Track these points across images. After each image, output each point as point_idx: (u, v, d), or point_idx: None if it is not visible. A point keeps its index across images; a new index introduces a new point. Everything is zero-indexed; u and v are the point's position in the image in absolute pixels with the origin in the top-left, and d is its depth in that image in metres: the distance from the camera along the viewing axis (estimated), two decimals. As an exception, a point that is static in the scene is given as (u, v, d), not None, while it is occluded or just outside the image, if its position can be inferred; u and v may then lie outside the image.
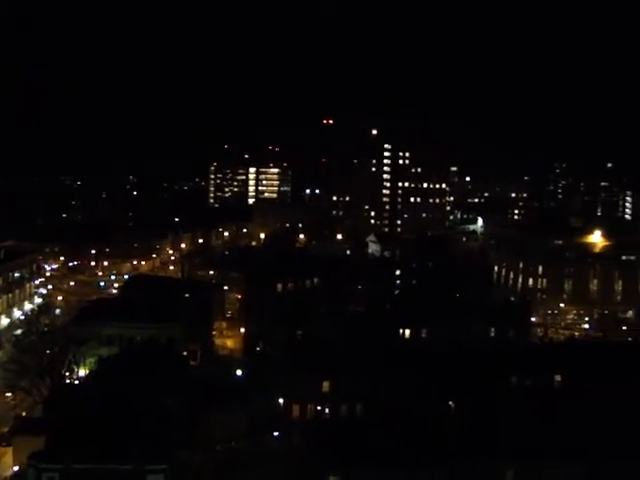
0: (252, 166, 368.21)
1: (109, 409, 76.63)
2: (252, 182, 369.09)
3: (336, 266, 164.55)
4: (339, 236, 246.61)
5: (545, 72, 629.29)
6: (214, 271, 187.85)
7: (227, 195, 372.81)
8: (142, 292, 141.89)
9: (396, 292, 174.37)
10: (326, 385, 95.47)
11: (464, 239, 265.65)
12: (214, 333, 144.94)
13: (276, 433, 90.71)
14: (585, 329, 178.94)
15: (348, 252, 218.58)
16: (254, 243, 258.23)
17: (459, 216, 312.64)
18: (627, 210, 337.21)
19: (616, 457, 78.33)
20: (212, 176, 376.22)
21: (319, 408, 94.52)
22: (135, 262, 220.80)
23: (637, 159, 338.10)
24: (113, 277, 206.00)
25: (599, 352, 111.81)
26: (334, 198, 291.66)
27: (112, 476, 70.90)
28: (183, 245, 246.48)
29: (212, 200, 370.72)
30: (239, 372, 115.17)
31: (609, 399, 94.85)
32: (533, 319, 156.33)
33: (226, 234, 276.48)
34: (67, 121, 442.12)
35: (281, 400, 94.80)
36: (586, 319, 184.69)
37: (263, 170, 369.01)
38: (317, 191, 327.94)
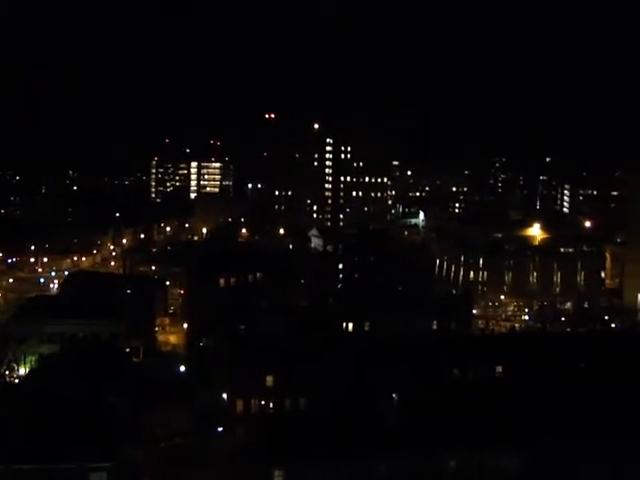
0: (194, 160, 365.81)
1: (50, 408, 75.64)
2: (194, 176, 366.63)
3: (278, 261, 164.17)
4: (281, 230, 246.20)
5: (483, 66, 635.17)
6: (156, 266, 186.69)
7: (169, 190, 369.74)
8: (83, 288, 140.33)
9: (339, 286, 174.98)
10: (270, 380, 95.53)
11: (406, 233, 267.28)
12: (157, 329, 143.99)
13: (220, 428, 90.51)
14: (525, 320, 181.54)
15: (290, 246, 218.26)
16: (196, 238, 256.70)
17: (401, 210, 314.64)
18: (565, 204, 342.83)
19: (556, 444, 79.86)
20: (153, 170, 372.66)
21: (263, 403, 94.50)
22: (75, 258, 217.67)
23: (575, 153, 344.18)
24: (53, 274, 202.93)
25: (539, 343, 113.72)
26: (276, 192, 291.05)
27: (54, 476, 69.99)
28: (124, 240, 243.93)
29: (153, 195, 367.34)
30: (182, 368, 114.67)
31: (549, 388, 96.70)
32: (474, 311, 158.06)
33: (168, 229, 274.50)
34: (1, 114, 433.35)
35: (225, 395, 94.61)
36: (526, 310, 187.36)
37: (205, 164, 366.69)
38: (259, 185, 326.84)
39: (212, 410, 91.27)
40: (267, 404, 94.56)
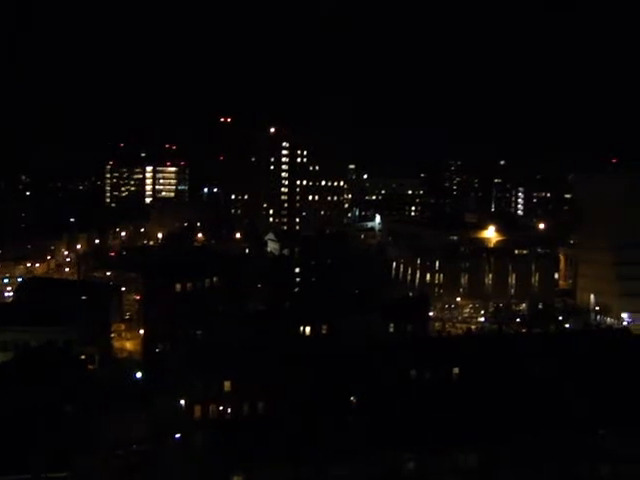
0: (149, 165, 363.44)
1: (2, 418, 74.53)
2: (149, 181, 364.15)
3: (235, 265, 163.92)
4: (238, 235, 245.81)
5: (439, 70, 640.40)
6: (111, 272, 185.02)
7: (124, 194, 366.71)
8: (37, 295, 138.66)
9: (296, 290, 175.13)
10: (227, 385, 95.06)
11: (362, 236, 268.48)
12: (112, 335, 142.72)
13: (178, 435, 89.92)
14: (481, 322, 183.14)
15: (247, 250, 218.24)
16: (152, 243, 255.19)
17: (357, 213, 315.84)
18: (519, 206, 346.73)
19: (511, 444, 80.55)
20: (108, 175, 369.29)
21: (221, 408, 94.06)
22: (29, 264, 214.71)
23: (528, 156, 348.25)
24: (6, 280, 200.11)
25: (495, 344, 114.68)
26: (232, 196, 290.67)
27: (8, 486, 69.06)
28: (79, 246, 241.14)
29: (108, 200, 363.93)
30: (139, 374, 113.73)
31: (505, 388, 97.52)
32: (431, 313, 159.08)
33: (123, 234, 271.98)
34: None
35: (182, 401, 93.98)
36: (482, 312, 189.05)
37: (160, 169, 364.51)
38: (215, 190, 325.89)
39: (170, 416, 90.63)
40: (225, 409, 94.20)
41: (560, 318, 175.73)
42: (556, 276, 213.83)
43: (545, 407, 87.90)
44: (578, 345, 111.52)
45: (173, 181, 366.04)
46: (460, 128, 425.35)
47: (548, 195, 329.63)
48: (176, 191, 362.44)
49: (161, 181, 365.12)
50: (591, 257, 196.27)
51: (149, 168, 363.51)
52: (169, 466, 75.90)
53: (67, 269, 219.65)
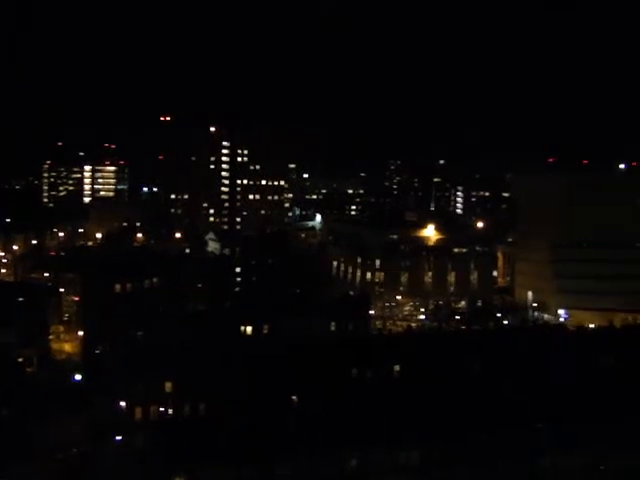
0: (87, 164, 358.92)
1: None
2: (88, 180, 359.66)
3: (175, 265, 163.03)
4: (178, 234, 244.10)
5: (378, 70, 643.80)
6: (49, 273, 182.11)
7: (62, 194, 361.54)
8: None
9: (237, 289, 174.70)
10: (168, 386, 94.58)
11: (303, 235, 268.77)
12: (51, 337, 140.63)
13: (119, 437, 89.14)
14: (421, 320, 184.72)
15: (187, 250, 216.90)
16: (91, 243, 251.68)
17: (298, 212, 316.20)
18: (458, 205, 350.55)
19: (451, 440, 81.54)
20: (45, 174, 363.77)
21: (162, 409, 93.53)
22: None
23: (466, 156, 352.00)
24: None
25: (435, 342, 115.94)
26: (172, 196, 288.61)
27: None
28: (15, 247, 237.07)
29: (46, 199, 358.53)
30: (78, 377, 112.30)
31: (445, 386, 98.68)
32: (371, 312, 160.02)
33: (61, 234, 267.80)
34: None
35: (123, 403, 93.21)
36: (422, 310, 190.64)
37: (99, 168, 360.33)
38: (155, 189, 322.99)
39: (110, 419, 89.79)
40: (166, 410, 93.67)
41: (499, 315, 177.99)
42: (494, 274, 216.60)
43: (484, 403, 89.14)
44: (516, 341, 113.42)
45: (112, 180, 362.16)
46: (398, 127, 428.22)
47: (486, 194, 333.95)
48: (115, 191, 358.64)
49: (100, 180, 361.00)
50: (528, 255, 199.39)
51: (88, 167, 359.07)
52: (110, 468, 75.22)
53: (3, 270, 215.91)
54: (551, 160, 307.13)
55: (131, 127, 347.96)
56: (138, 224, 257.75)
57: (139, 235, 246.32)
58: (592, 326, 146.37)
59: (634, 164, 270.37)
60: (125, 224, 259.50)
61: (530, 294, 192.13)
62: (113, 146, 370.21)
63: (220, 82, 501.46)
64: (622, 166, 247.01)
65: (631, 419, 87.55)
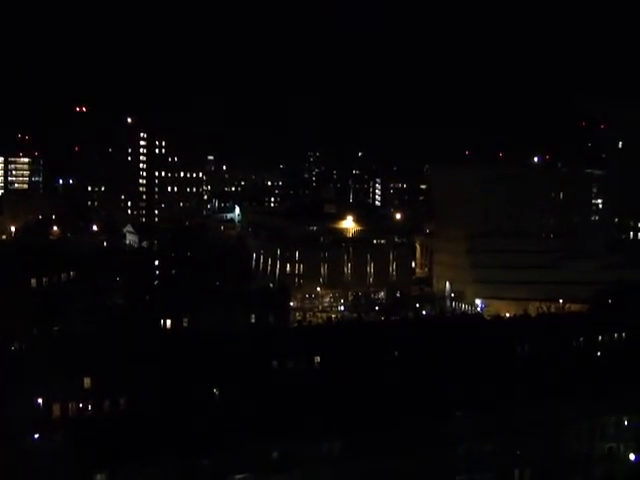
0: (0, 155, 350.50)
1: None
2: (0, 172, 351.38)
3: (93, 258, 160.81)
4: (95, 227, 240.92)
5: (296, 60, 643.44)
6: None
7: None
8: None
9: (156, 283, 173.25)
10: (87, 381, 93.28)
11: (222, 228, 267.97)
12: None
13: (36, 435, 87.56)
14: (341, 311, 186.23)
15: (105, 243, 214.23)
16: (5, 237, 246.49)
17: (216, 205, 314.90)
18: (377, 197, 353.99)
19: (372, 430, 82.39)
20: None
21: (81, 406, 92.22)
22: None
23: (385, 148, 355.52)
24: None
25: (354, 332, 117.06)
26: (89, 188, 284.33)
27: None
28: None
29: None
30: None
31: (365, 376, 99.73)
32: (292, 304, 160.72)
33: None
34: None
35: (40, 400, 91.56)
36: (341, 301, 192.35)
37: (12, 160, 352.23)
38: (71, 181, 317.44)
39: (27, 416, 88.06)
40: (85, 407, 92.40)
41: (417, 305, 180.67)
42: (413, 265, 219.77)
43: (404, 393, 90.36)
44: (434, 331, 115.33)
45: (26, 172, 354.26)
46: (321, 119, 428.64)
47: (404, 186, 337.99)
48: (30, 183, 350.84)
49: (14, 172, 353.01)
50: (446, 246, 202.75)
51: (0, 159, 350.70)
52: (27, 468, 73.84)
53: None
54: (468, 153, 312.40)
55: (45, 117, 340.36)
56: (54, 217, 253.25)
57: (55, 228, 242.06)
58: (508, 315, 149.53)
59: (548, 157, 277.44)
60: (40, 217, 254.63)
61: (448, 284, 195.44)
62: (27, 137, 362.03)
63: (136, 71, 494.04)
64: (536, 159, 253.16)
65: (547, 404, 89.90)
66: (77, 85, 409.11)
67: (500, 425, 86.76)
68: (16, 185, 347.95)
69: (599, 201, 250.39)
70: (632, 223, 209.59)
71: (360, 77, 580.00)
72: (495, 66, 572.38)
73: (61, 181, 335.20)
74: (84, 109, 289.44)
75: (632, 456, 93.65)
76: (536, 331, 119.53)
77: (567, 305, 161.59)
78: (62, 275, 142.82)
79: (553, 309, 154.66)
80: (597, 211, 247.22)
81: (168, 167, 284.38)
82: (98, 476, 71.71)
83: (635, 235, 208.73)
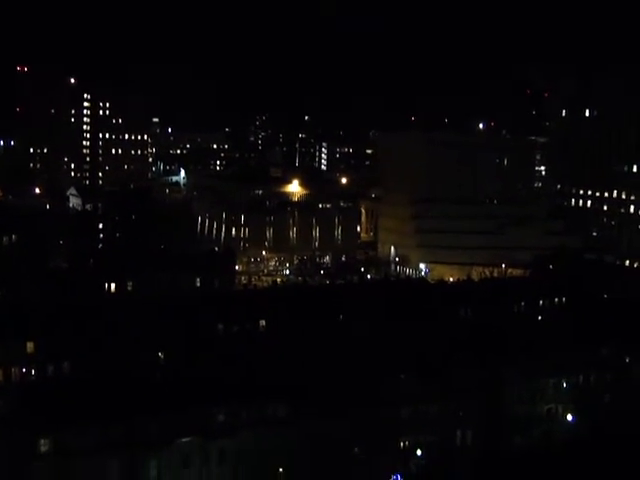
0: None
1: None
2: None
3: (36, 221, 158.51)
4: (37, 190, 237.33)
5: (246, 23, 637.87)
6: None
7: None
8: None
9: (100, 246, 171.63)
10: (30, 346, 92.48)
11: (167, 191, 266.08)
12: None
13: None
14: (286, 275, 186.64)
15: (48, 206, 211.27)
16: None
17: (161, 168, 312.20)
18: (323, 161, 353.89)
19: (317, 393, 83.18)
20: None
21: (24, 370, 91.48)
22: None
23: (331, 112, 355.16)
24: None
25: (300, 296, 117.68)
26: (31, 150, 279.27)
27: None
28: None
29: None
30: None
31: (309, 339, 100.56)
32: (237, 267, 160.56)
33: None
34: None
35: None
36: (287, 265, 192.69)
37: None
38: (12, 142, 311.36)
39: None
40: (29, 371, 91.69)
41: (362, 269, 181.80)
42: (358, 229, 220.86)
43: (348, 356, 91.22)
44: (379, 295, 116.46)
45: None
46: (265, 82, 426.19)
47: (350, 150, 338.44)
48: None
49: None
50: (391, 211, 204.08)
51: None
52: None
53: None
54: (413, 118, 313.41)
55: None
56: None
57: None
58: (452, 280, 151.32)
59: (492, 124, 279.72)
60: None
61: (393, 249, 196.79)
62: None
63: (80, 31, 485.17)
64: (481, 126, 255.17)
65: (489, 366, 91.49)
66: (18, 44, 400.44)
67: (443, 387, 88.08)
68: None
69: (542, 168, 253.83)
70: (573, 190, 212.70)
71: (308, 44, 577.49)
72: (443, 32, 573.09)
73: (1, 142, 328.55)
74: (25, 69, 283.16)
75: (569, 417, 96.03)
76: (479, 295, 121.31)
77: (509, 270, 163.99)
78: (4, 238, 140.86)
79: (496, 274, 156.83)
80: (540, 178, 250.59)
81: (112, 129, 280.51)
82: (42, 441, 71.30)
83: (576, 202, 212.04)
